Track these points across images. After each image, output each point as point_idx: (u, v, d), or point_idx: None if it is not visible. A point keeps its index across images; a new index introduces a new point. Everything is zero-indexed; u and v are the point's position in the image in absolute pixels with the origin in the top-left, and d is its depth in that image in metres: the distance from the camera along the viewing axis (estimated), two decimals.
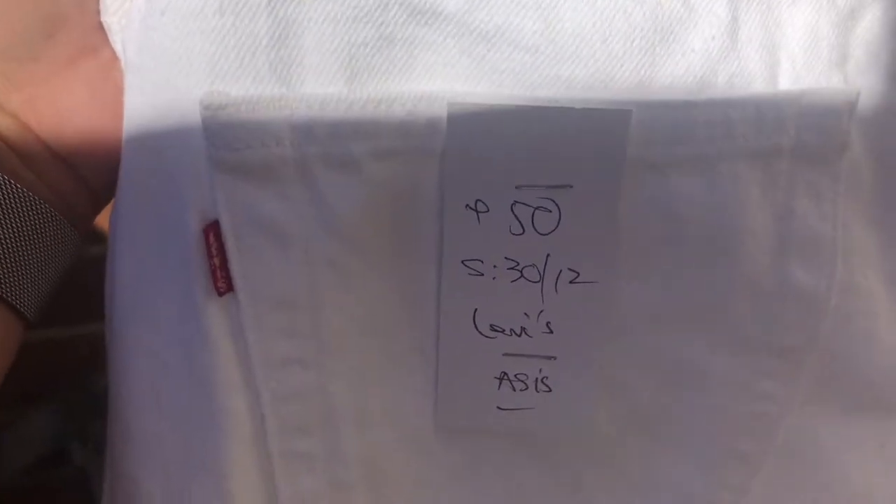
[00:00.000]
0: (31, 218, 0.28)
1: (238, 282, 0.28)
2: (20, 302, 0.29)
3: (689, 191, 0.29)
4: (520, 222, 0.30)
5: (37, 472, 0.51)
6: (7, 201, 0.28)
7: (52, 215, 0.29)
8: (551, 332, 0.32)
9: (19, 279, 0.28)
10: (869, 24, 0.30)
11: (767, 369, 0.33)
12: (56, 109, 0.29)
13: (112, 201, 0.31)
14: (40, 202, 0.29)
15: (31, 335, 0.30)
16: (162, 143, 0.28)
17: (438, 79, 0.28)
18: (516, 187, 0.29)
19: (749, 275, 0.31)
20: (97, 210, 0.30)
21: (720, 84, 0.29)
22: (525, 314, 0.32)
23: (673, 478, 0.36)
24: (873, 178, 0.32)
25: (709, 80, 0.29)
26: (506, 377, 0.33)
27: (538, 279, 0.31)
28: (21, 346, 0.29)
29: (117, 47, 0.29)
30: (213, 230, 0.28)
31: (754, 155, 0.29)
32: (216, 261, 0.28)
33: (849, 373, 0.34)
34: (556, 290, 0.31)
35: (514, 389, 0.33)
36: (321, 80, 0.28)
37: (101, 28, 0.29)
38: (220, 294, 0.28)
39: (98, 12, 0.29)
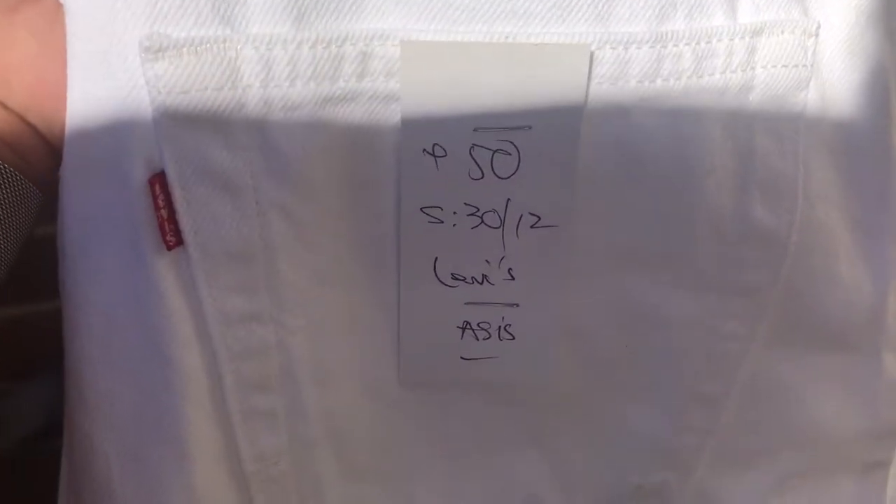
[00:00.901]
0: None
1: (187, 235, 0.27)
2: None
3: (651, 129, 0.29)
4: (479, 166, 0.29)
5: (31, 443, 0.51)
6: None
7: (9, 174, 0.27)
8: (513, 278, 0.31)
9: None
10: None
11: (730, 309, 0.33)
12: (1, 62, 0.27)
13: None
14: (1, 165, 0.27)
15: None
16: (102, 91, 0.26)
17: (390, 17, 0.27)
18: (474, 130, 0.28)
19: (711, 214, 0.31)
20: (59, 165, 0.29)
21: (679, 17, 0.28)
22: (486, 261, 0.31)
23: (637, 422, 0.36)
24: (832, 117, 0.32)
25: (667, 13, 0.28)
26: (468, 326, 0.32)
27: (499, 225, 0.30)
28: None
29: None
30: (158, 181, 0.27)
31: (720, 91, 0.29)
32: (163, 213, 0.27)
33: (809, 310, 0.34)
34: (517, 236, 0.30)
35: (477, 339, 0.33)
36: (267, 21, 0.26)
37: None
38: (170, 248, 0.27)
39: None
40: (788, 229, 0.31)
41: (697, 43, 0.28)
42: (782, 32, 0.29)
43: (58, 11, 0.26)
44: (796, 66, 0.29)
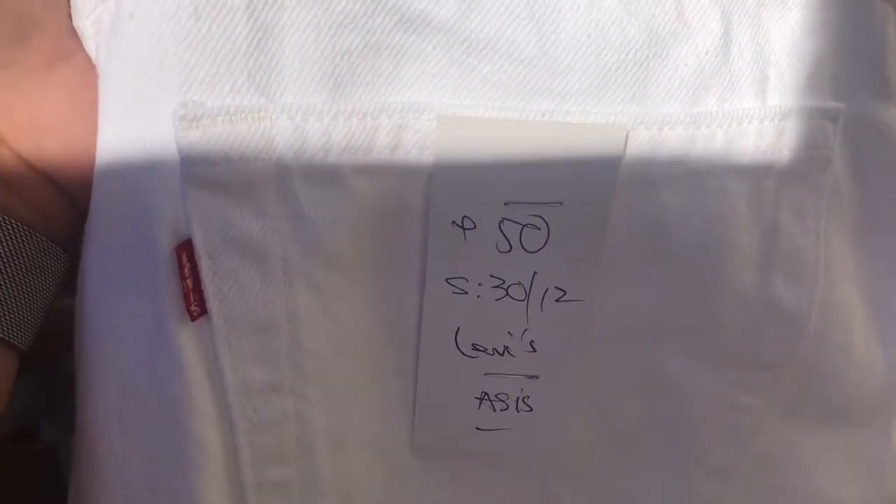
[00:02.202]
0: (20, 249, 0.26)
1: (212, 305, 0.27)
2: (15, 337, 0.27)
3: (678, 206, 0.29)
4: (507, 240, 0.29)
5: (4, 446, 0.50)
6: None
7: (39, 241, 0.27)
8: (535, 350, 0.31)
9: (12, 315, 0.26)
10: None
11: (747, 383, 0.33)
12: (32, 119, 0.27)
13: None
14: (27, 230, 0.26)
15: None
16: (133, 155, 0.26)
17: (426, 90, 0.27)
18: (505, 204, 0.28)
19: (734, 290, 0.31)
20: (84, 224, 0.28)
21: (711, 98, 0.28)
22: (509, 333, 0.31)
23: (648, 491, 0.35)
24: (852, 193, 0.32)
25: (700, 96, 0.28)
26: (486, 397, 0.32)
27: (524, 297, 0.30)
28: None
29: (92, 54, 0.26)
30: (185, 250, 0.26)
31: (743, 171, 0.29)
32: (189, 282, 0.26)
33: (824, 385, 0.34)
34: (541, 309, 0.30)
35: (495, 410, 0.32)
36: (303, 91, 0.26)
37: (74, 33, 0.27)
38: (193, 318, 0.26)
39: (69, 16, 0.27)
40: (809, 307, 0.31)
41: (729, 125, 0.28)
42: (809, 116, 0.29)
43: (91, 71, 0.26)
44: (819, 148, 0.30)
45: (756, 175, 0.29)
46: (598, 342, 0.31)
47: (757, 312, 0.31)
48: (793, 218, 0.30)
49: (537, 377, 0.32)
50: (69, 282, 0.30)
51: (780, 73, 0.29)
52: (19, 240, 0.27)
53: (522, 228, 0.28)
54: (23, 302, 0.27)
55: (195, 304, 0.26)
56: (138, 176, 0.26)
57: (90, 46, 0.27)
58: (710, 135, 0.28)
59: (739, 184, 0.29)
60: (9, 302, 0.26)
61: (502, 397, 0.32)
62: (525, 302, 0.30)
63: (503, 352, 0.31)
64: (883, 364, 0.35)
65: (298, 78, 0.26)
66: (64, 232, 0.29)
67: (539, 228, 0.28)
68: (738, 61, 0.28)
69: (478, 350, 0.31)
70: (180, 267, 0.26)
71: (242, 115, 0.25)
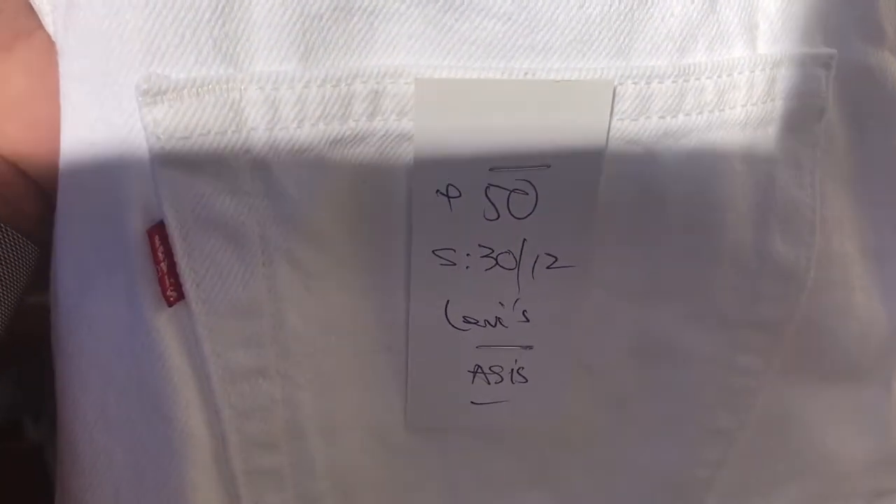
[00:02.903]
0: None
1: (189, 289, 0.25)
2: None
3: (672, 164, 0.28)
4: (494, 207, 0.27)
5: None
6: None
7: (6, 233, 0.25)
8: (528, 320, 0.30)
9: None
10: None
11: (747, 343, 0.32)
12: None
13: None
14: None
15: None
16: (96, 135, 0.24)
17: (402, 52, 0.26)
18: (490, 170, 0.27)
19: (730, 248, 0.30)
20: (53, 211, 0.27)
21: (700, 49, 0.27)
22: (500, 303, 0.30)
23: (648, 457, 0.35)
24: (847, 142, 0.31)
25: (688, 46, 0.27)
26: (480, 370, 0.31)
27: (514, 266, 0.29)
28: None
29: (50, 30, 0.25)
30: (158, 232, 0.25)
31: (740, 124, 0.28)
32: (163, 266, 0.25)
33: (824, 342, 0.34)
34: (532, 277, 0.29)
35: (489, 382, 0.31)
36: (272, 58, 0.25)
37: (31, 10, 0.25)
38: (170, 304, 0.25)
39: None
40: (807, 263, 0.30)
41: (719, 76, 0.27)
42: (801, 64, 0.28)
43: (53, 49, 0.24)
44: (813, 96, 0.29)
45: (749, 127, 0.28)
46: (593, 309, 0.31)
47: (754, 270, 0.30)
48: (788, 171, 0.29)
49: (531, 347, 0.31)
50: (43, 276, 0.28)
51: (769, 20, 0.28)
52: None
53: (510, 194, 0.27)
54: None
55: (171, 288, 0.25)
56: (105, 158, 0.25)
57: (48, 23, 0.25)
58: (700, 87, 0.27)
59: (732, 138, 0.28)
60: None
61: (496, 370, 0.31)
62: (516, 270, 0.29)
63: (495, 323, 0.30)
64: (884, 317, 0.34)
65: (267, 45, 0.24)
66: (33, 222, 0.28)
67: (527, 193, 0.27)
68: (726, 9, 0.27)
69: (469, 322, 0.30)
70: (153, 251, 0.25)
71: (210, 86, 0.24)
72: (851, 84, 0.30)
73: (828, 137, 0.30)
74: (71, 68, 0.24)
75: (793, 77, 0.28)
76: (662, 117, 0.27)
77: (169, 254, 0.25)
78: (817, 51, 0.28)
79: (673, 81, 0.27)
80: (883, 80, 0.31)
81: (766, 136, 0.29)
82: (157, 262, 0.25)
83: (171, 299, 0.25)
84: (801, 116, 0.29)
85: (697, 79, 0.27)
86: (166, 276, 0.25)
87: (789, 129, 0.29)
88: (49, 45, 0.25)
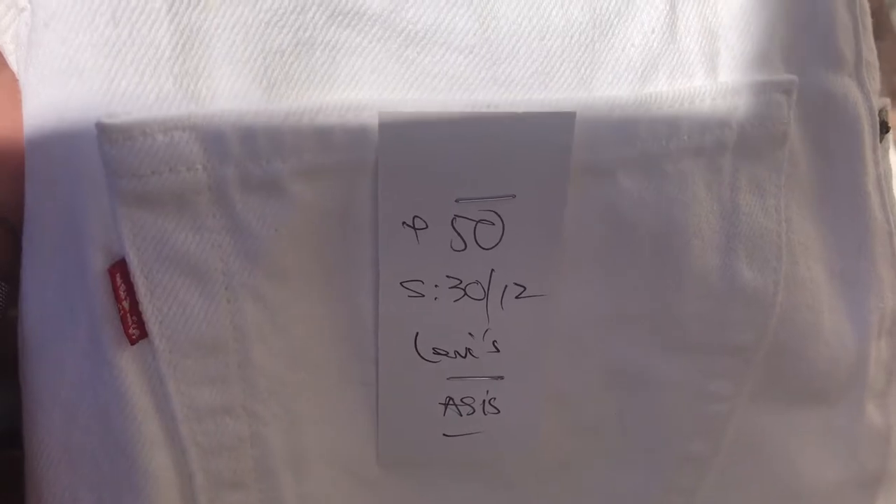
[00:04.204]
0: None
1: (152, 326, 0.25)
2: None
3: (635, 192, 0.28)
4: (461, 237, 0.27)
5: None
6: None
7: None
8: (498, 350, 0.30)
9: None
10: None
11: (717, 369, 0.32)
12: None
13: None
14: None
15: None
16: (57, 173, 0.24)
17: (365, 87, 0.26)
18: (456, 201, 0.27)
19: (697, 275, 0.30)
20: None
21: (661, 78, 0.28)
22: (470, 334, 0.29)
23: (622, 486, 0.35)
24: (810, 166, 0.31)
25: (649, 75, 0.27)
26: (451, 402, 0.31)
27: (482, 296, 0.29)
28: None
29: (14, 69, 0.25)
30: (119, 270, 0.24)
31: (698, 152, 0.28)
32: (125, 304, 0.25)
33: (794, 366, 0.34)
34: (501, 307, 0.29)
35: (461, 414, 0.31)
36: (234, 94, 0.24)
37: None
38: (133, 342, 0.25)
39: None
40: (775, 287, 0.31)
41: (681, 104, 0.27)
42: (762, 90, 0.28)
43: (17, 88, 0.24)
44: (775, 122, 0.29)
45: (711, 155, 0.28)
46: (563, 337, 0.30)
47: (722, 297, 0.30)
48: (752, 197, 0.30)
49: (502, 378, 0.30)
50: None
51: (729, 48, 0.28)
52: None
53: (476, 225, 0.27)
54: None
55: (133, 326, 0.25)
56: (67, 195, 0.25)
57: (12, 62, 0.25)
58: (662, 116, 0.27)
59: (695, 165, 0.28)
60: None
61: (468, 401, 0.31)
62: (484, 301, 0.29)
63: (465, 354, 0.30)
64: (852, 339, 0.34)
65: (229, 81, 0.24)
66: (4, 260, 0.27)
67: (493, 224, 0.27)
68: (686, 38, 0.28)
69: (439, 354, 0.30)
70: (115, 289, 0.24)
71: (171, 123, 0.24)
72: (813, 109, 0.31)
73: (792, 162, 0.30)
74: (33, 106, 0.24)
75: (754, 104, 0.28)
76: (624, 146, 0.27)
77: (131, 291, 0.25)
78: (778, 77, 0.29)
79: (634, 111, 0.27)
80: (844, 105, 0.31)
81: (729, 162, 0.29)
82: (118, 300, 0.25)
83: (134, 337, 0.25)
84: (763, 142, 0.29)
85: (659, 108, 0.27)
86: (128, 314, 0.25)
87: (752, 156, 0.29)
88: (15, 85, 0.25)
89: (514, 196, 0.27)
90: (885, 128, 0.34)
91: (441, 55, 0.26)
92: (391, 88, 0.26)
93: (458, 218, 0.27)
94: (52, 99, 0.24)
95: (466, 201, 0.27)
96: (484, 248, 0.28)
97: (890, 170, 0.35)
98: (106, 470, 0.27)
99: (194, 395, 0.26)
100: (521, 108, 0.26)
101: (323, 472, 0.31)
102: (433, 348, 0.29)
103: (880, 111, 0.33)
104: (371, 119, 0.25)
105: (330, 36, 0.25)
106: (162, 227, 0.24)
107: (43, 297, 0.26)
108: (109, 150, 0.23)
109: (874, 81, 0.33)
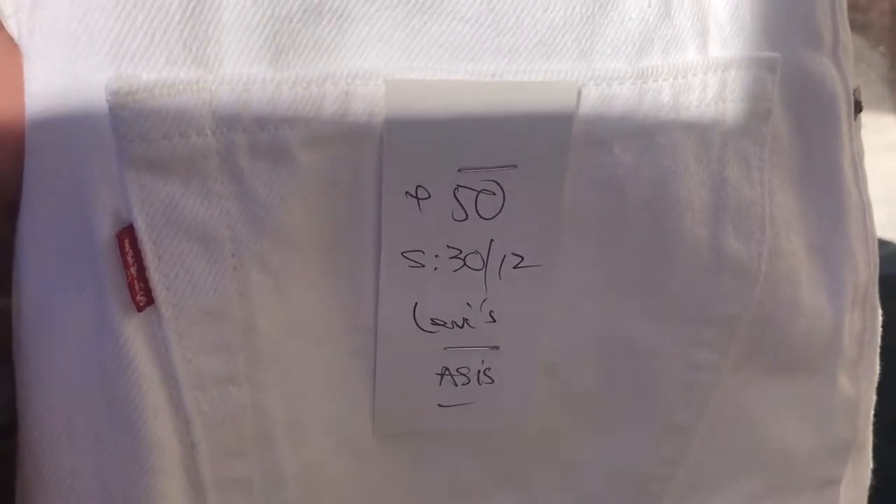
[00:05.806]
0: None
1: (159, 293, 0.25)
2: None
3: (632, 164, 0.29)
4: (463, 207, 0.28)
5: None
6: None
7: None
8: (494, 320, 0.30)
9: None
10: None
11: (704, 339, 0.33)
12: None
13: None
14: None
15: None
16: (64, 137, 0.24)
17: (372, 55, 0.26)
18: (459, 170, 0.27)
19: (687, 245, 0.31)
20: (15, 219, 0.26)
21: (656, 52, 0.28)
22: (468, 304, 0.30)
23: (610, 455, 0.35)
24: (791, 143, 0.33)
25: (646, 49, 0.28)
26: (447, 372, 0.31)
27: (481, 266, 0.29)
28: None
29: (13, 33, 0.24)
30: (127, 236, 0.24)
31: (694, 125, 0.29)
32: (133, 271, 0.24)
33: (774, 337, 0.35)
34: (499, 277, 0.29)
35: (456, 384, 0.31)
36: (243, 60, 0.24)
37: None
38: (140, 309, 0.25)
39: None
40: (759, 259, 0.32)
41: (675, 78, 0.28)
42: (749, 67, 0.29)
43: (14, 50, 0.24)
44: (760, 98, 0.30)
45: (702, 128, 0.29)
46: (557, 307, 0.31)
47: (710, 267, 0.31)
48: (739, 170, 0.31)
49: (498, 348, 0.31)
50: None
51: (719, 26, 0.29)
52: None
53: (478, 195, 0.28)
54: None
55: (141, 293, 0.25)
56: (72, 161, 0.24)
57: (11, 25, 0.25)
58: (658, 89, 0.28)
59: (687, 138, 0.29)
60: None
61: (463, 371, 0.31)
62: (483, 271, 0.29)
63: (462, 324, 0.30)
64: (829, 311, 0.35)
65: (237, 46, 0.24)
66: None
67: (494, 194, 0.28)
68: (680, 14, 0.29)
69: (437, 324, 0.30)
70: (123, 255, 0.24)
71: (180, 87, 0.24)
72: (794, 87, 0.32)
73: (774, 138, 0.32)
74: (37, 69, 0.24)
75: (742, 79, 0.29)
76: (623, 118, 0.28)
77: (138, 258, 0.24)
78: (763, 55, 0.30)
79: (632, 83, 0.28)
80: (822, 83, 0.32)
81: (718, 136, 0.30)
82: (126, 266, 0.24)
83: (141, 304, 0.25)
84: (749, 117, 0.30)
85: (655, 81, 0.28)
86: (136, 281, 0.25)
87: (739, 130, 0.30)
88: (11, 48, 0.24)
89: (515, 166, 0.27)
90: (858, 107, 0.35)
91: (447, 25, 0.26)
92: (398, 57, 0.26)
93: (460, 188, 0.27)
94: (58, 61, 0.23)
95: (469, 171, 0.27)
96: (484, 219, 0.28)
97: (862, 148, 0.37)
98: (109, 445, 0.27)
99: (199, 363, 0.26)
100: (525, 78, 0.26)
101: (321, 442, 0.31)
102: (431, 318, 0.30)
103: (854, 91, 0.35)
104: (378, 87, 0.25)
105: (338, 4, 0.25)
106: (171, 192, 0.24)
107: (42, 266, 0.26)
108: (119, 112, 0.23)
109: (849, 62, 0.34)
